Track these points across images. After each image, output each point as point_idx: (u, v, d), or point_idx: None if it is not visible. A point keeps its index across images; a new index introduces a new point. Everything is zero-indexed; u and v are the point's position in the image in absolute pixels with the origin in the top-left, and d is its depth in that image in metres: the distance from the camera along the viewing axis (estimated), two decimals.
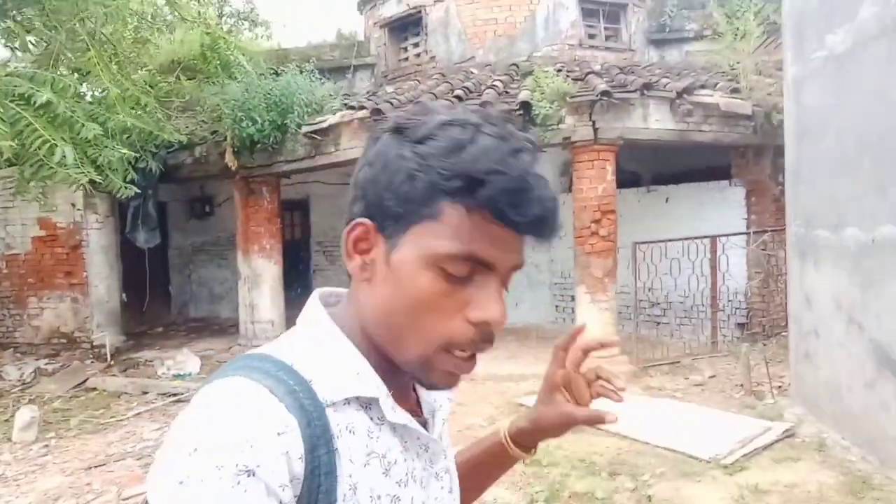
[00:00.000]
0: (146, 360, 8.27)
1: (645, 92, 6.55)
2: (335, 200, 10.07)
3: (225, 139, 7.51)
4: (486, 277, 0.62)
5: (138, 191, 6.63)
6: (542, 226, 0.62)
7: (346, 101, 7.54)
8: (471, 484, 0.91)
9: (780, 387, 5.68)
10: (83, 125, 5.37)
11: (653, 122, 6.71)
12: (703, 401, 5.59)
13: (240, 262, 8.36)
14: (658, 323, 8.16)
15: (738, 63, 7.23)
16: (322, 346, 0.66)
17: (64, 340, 8.62)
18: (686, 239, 7.07)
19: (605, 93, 6.34)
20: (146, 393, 6.89)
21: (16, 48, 5.99)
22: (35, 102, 5.14)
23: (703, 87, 6.88)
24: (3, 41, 6.20)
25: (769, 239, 7.20)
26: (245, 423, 0.55)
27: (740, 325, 7.78)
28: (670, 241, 7.07)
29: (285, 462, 0.56)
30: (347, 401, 0.64)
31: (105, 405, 6.66)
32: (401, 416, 0.67)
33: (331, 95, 7.83)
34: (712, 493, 3.71)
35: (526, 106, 6.46)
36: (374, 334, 0.66)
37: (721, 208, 7.79)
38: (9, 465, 4.62)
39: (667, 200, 8.31)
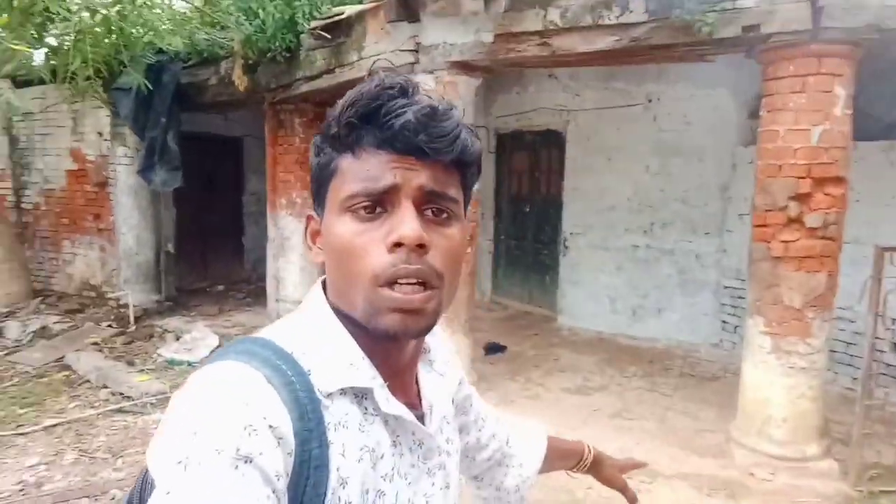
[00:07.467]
0: (165, 330, 6.68)
1: None
2: None
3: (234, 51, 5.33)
4: (396, 206, 0.64)
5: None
6: (414, 134, 0.62)
7: None
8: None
9: None
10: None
11: None
12: None
13: (268, 220, 6.26)
14: None
15: None
16: (322, 334, 0.67)
17: (93, 294, 7.32)
18: None
19: None
20: (106, 387, 5.19)
21: None
22: None
23: None
24: None
25: None
26: (244, 412, 0.55)
27: None
28: None
29: (280, 453, 0.56)
30: (343, 391, 0.64)
31: (58, 392, 5.11)
32: (395, 406, 0.67)
33: None
34: None
35: None
36: (339, 305, 0.68)
37: None
38: None
39: None
